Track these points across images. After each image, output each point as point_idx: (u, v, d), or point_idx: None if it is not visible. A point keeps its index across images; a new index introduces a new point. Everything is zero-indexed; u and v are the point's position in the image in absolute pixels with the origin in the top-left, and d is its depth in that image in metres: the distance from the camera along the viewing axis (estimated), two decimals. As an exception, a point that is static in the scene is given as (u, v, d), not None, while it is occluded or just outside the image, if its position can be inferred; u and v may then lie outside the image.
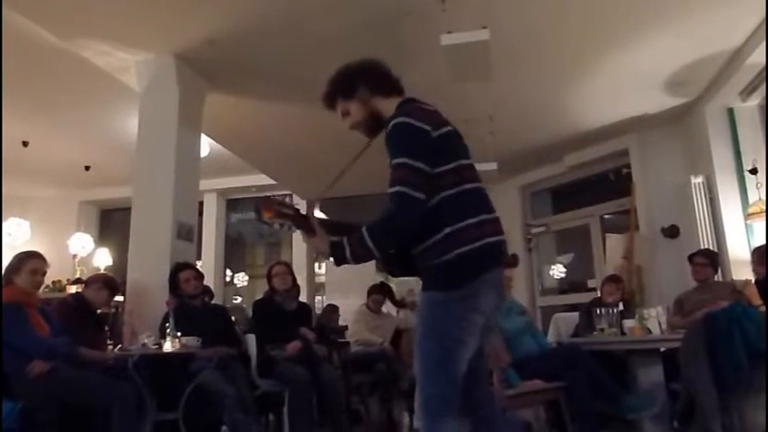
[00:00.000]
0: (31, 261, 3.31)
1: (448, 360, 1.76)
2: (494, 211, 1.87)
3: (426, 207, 1.76)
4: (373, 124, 2.01)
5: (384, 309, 5.82)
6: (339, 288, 9.06)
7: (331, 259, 1.82)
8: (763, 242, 4.37)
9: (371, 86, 1.99)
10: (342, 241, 1.79)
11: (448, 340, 1.77)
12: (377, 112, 1.99)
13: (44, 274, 3.39)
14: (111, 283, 3.88)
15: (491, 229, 1.82)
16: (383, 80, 2.02)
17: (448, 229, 1.76)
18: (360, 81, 2.00)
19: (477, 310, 1.78)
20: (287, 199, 1.87)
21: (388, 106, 1.97)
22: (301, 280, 5.85)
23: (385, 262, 1.99)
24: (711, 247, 5.34)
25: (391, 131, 1.83)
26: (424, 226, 1.77)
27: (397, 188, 1.74)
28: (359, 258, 1.77)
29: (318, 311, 8.16)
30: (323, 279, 10.13)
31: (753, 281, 4.07)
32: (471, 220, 1.78)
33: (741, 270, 5.13)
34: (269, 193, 9.36)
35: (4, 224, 6.77)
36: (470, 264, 1.76)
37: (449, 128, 1.90)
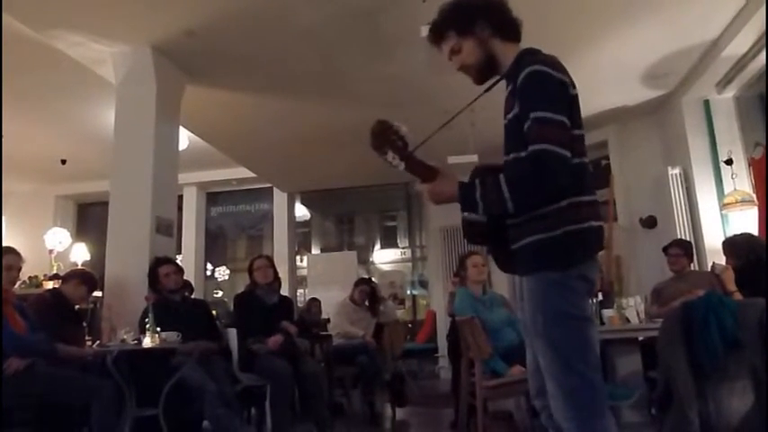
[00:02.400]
0: (5, 257, 3.25)
1: (584, 343, 1.57)
2: (596, 192, 1.69)
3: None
4: (487, 69, 1.78)
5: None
6: (321, 281, 9.06)
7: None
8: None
9: (493, 24, 1.73)
10: (474, 182, 1.60)
11: (577, 322, 1.58)
12: (494, 55, 1.75)
13: (19, 269, 3.33)
14: (89, 278, 3.83)
15: (597, 211, 1.65)
16: (507, 21, 1.76)
17: (566, 202, 1.57)
18: (481, 16, 1.73)
19: (591, 293, 1.65)
20: (402, 129, 1.60)
21: (505, 52, 1.75)
22: (283, 273, 5.83)
23: (470, 222, 1.78)
24: (688, 237, 5.43)
25: (528, 80, 1.59)
26: (562, 191, 1.58)
27: (540, 146, 1.51)
28: (488, 204, 1.58)
29: (300, 305, 8.15)
30: (305, 272, 10.12)
31: (730, 268, 4.15)
32: (586, 198, 1.61)
33: (717, 259, 5.22)
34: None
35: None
36: (578, 244, 1.59)
37: (577, 91, 1.66)
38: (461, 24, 1.75)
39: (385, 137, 1.60)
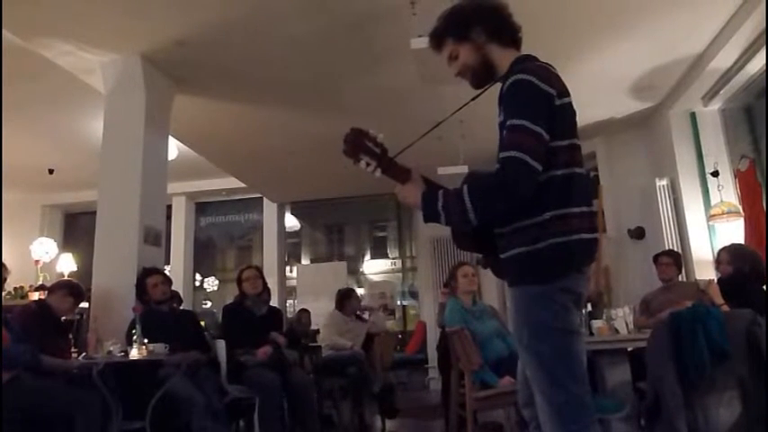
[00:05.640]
0: (-10, 267, 3.22)
1: (569, 357, 1.55)
2: (593, 203, 1.68)
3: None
4: (483, 74, 1.78)
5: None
6: (310, 291, 9.04)
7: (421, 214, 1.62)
8: (728, 242, 4.49)
9: (489, 30, 1.75)
10: (437, 192, 1.59)
11: (562, 335, 1.56)
12: (490, 60, 1.76)
13: (5, 280, 3.30)
14: (76, 289, 3.77)
15: (589, 223, 1.61)
16: (503, 26, 1.78)
17: (549, 214, 1.55)
18: (476, 22, 1.75)
19: (579, 305, 1.62)
20: (378, 136, 1.59)
21: (502, 57, 1.76)
22: (272, 284, 5.80)
23: (458, 231, 1.76)
24: (676, 248, 5.47)
25: (511, 89, 1.60)
26: (524, 203, 1.54)
27: (512, 153, 1.49)
28: (450, 216, 1.55)
29: (290, 315, 8.12)
30: (294, 283, 10.09)
31: (715, 281, 4.18)
32: (575, 209, 1.58)
33: (704, 270, 5.26)
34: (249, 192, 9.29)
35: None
36: (561, 257, 1.56)
37: (570, 99, 1.67)
38: (457, 30, 1.77)
39: (359, 144, 1.59)
